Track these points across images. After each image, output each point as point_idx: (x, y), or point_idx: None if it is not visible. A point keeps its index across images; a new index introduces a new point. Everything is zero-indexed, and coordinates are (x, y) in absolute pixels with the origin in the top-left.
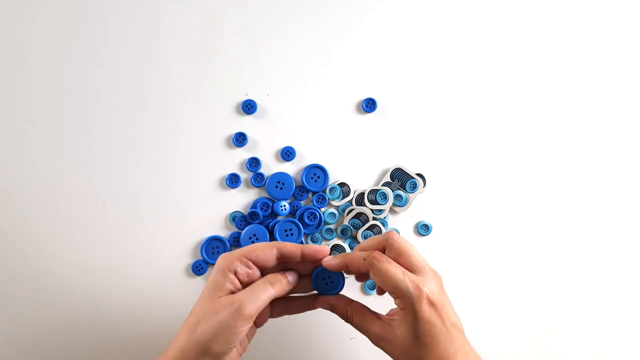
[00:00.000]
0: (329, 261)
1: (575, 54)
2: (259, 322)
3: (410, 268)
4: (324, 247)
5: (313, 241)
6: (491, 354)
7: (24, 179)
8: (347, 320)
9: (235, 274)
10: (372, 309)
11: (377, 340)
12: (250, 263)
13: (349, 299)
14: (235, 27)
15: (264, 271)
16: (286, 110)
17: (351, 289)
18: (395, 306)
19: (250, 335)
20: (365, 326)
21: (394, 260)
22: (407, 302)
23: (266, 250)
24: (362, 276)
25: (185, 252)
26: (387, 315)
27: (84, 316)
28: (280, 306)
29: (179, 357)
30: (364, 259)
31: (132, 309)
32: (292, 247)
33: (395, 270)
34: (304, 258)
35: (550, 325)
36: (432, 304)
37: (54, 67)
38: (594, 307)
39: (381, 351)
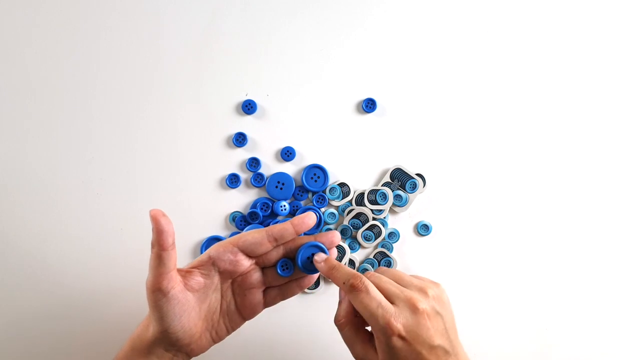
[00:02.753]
0: (319, 263)
1: (575, 55)
2: (248, 313)
3: (367, 321)
4: (309, 212)
5: None
6: (491, 354)
7: (24, 179)
8: (337, 325)
9: (218, 263)
10: None
11: (356, 358)
12: (237, 250)
13: (353, 309)
14: (235, 27)
15: (260, 259)
16: (286, 110)
17: None
18: None
19: (229, 325)
20: (352, 342)
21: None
22: (379, 335)
23: (255, 234)
24: None
25: (185, 252)
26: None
27: (83, 315)
28: (274, 292)
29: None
30: (344, 283)
31: (132, 309)
32: (281, 225)
33: (371, 302)
34: (297, 228)
35: (549, 324)
36: (403, 338)
37: (53, 67)
38: (593, 306)
39: None
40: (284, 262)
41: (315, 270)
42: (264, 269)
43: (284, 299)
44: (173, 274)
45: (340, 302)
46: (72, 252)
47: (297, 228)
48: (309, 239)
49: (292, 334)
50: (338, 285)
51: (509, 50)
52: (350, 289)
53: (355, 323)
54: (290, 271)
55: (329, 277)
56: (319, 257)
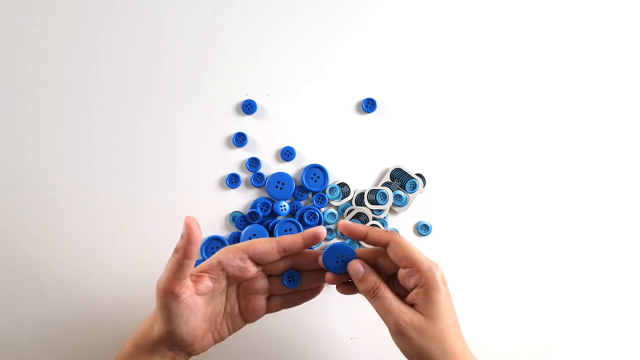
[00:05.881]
0: (358, 275)
1: (575, 55)
2: (250, 316)
3: (412, 264)
4: (321, 226)
5: None
6: (491, 354)
7: (24, 179)
8: (371, 296)
9: (226, 268)
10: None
11: (397, 320)
12: (246, 257)
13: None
14: (235, 27)
15: (267, 267)
16: (286, 110)
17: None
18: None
19: (231, 327)
20: (388, 302)
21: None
22: (429, 274)
23: (265, 244)
24: (346, 288)
25: None
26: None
27: (84, 316)
28: (277, 300)
29: (155, 340)
30: (387, 232)
31: (133, 309)
32: (292, 237)
33: (414, 247)
34: (306, 242)
35: (550, 325)
36: (444, 283)
37: (53, 67)
38: (593, 307)
39: (380, 351)
40: (291, 274)
41: (343, 269)
42: (270, 276)
43: (286, 307)
44: (187, 279)
45: (363, 277)
46: (72, 252)
47: (308, 242)
48: (317, 253)
49: (293, 332)
50: (378, 237)
51: (508, 51)
52: (391, 237)
53: (386, 287)
54: (296, 283)
55: (363, 233)
56: (356, 270)
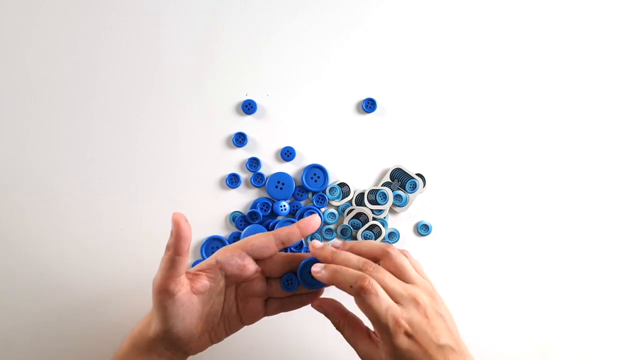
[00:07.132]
0: (319, 273)
1: (575, 55)
2: (248, 318)
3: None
4: (314, 215)
5: None
6: (491, 354)
7: (24, 179)
8: (338, 330)
9: (225, 267)
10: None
11: (362, 357)
12: (244, 254)
13: (343, 309)
14: (235, 27)
15: (266, 267)
16: (286, 110)
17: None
18: None
19: (228, 328)
20: (353, 341)
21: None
22: (385, 335)
23: (262, 238)
24: None
25: None
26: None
27: (83, 315)
28: (275, 303)
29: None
30: (351, 287)
31: (132, 309)
32: (288, 228)
33: (380, 305)
34: (302, 231)
35: (549, 325)
36: (410, 336)
37: (53, 67)
38: (593, 307)
39: None
40: (289, 277)
41: (319, 284)
42: (268, 279)
43: (284, 311)
44: (182, 277)
45: (327, 313)
46: (72, 252)
47: (303, 231)
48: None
49: (290, 332)
50: (344, 290)
51: (509, 51)
52: (358, 292)
53: (350, 322)
54: (294, 287)
55: (332, 283)
56: (317, 266)
